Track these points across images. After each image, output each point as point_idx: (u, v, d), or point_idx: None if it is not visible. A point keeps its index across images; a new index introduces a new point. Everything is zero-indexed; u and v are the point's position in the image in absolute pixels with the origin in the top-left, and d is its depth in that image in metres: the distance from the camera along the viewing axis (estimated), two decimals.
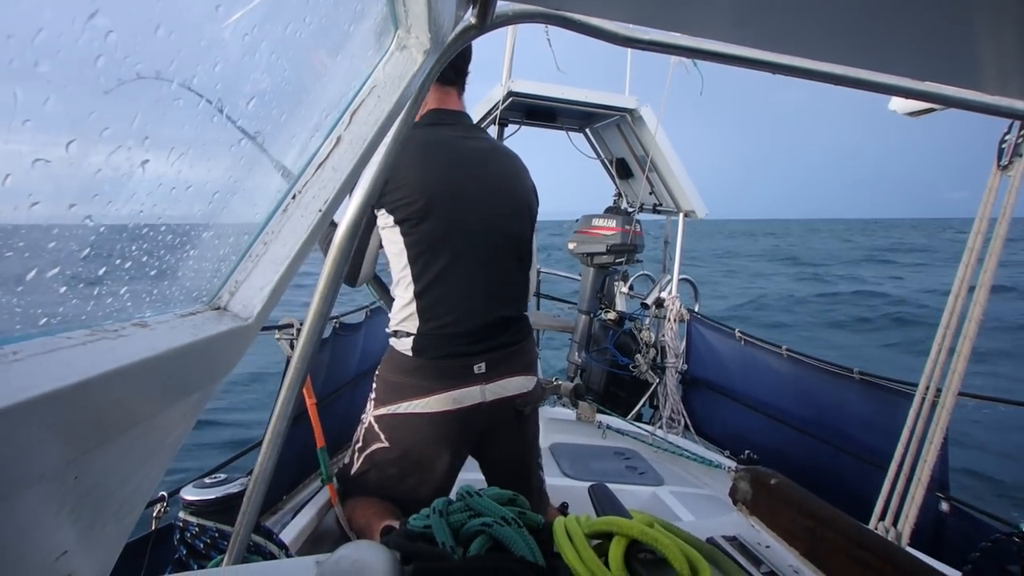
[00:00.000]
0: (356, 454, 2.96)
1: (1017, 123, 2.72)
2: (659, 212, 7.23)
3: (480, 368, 2.88)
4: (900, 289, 34.45)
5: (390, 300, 3.15)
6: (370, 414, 2.92)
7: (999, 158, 2.73)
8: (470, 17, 1.32)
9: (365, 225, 2.64)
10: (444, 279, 2.83)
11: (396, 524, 2.44)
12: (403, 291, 2.86)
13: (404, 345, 2.87)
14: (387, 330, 3.00)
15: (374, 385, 2.97)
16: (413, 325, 2.85)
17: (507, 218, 3.05)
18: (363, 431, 2.95)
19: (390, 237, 2.82)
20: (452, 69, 2.99)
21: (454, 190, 2.85)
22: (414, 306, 2.84)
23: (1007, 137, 2.72)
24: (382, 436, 2.85)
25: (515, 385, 3.01)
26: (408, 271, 2.82)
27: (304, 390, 2.91)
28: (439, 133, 2.96)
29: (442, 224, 2.80)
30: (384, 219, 2.79)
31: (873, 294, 32.27)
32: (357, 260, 2.94)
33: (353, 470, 2.95)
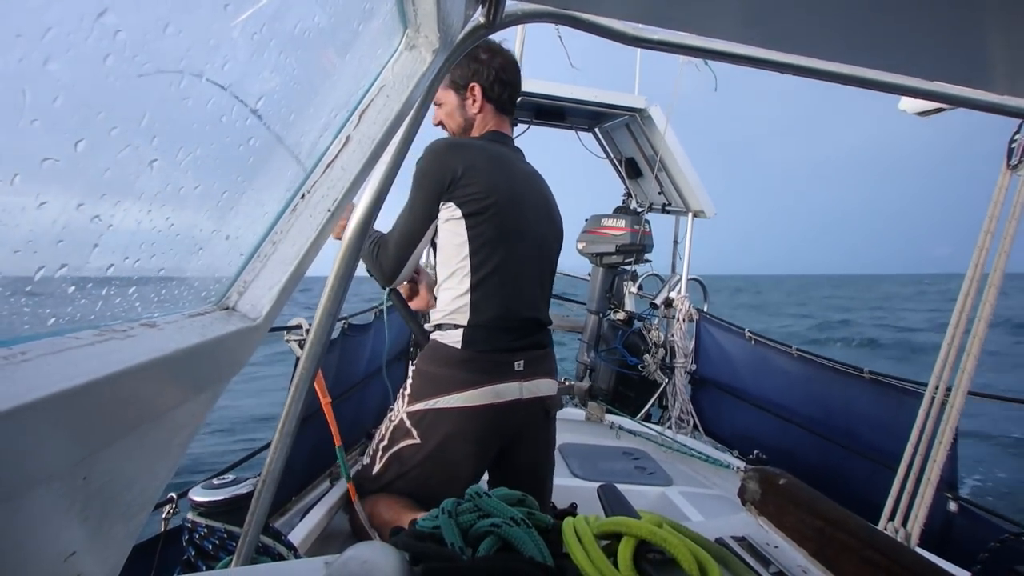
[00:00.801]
0: (379, 453, 2.97)
1: None
2: (668, 212, 7.23)
3: (520, 365, 2.97)
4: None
5: (411, 314, 3.30)
6: (402, 411, 2.94)
7: (1008, 157, 2.73)
8: (479, 16, 1.32)
9: (423, 222, 2.86)
10: (499, 274, 2.93)
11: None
12: (457, 283, 2.94)
13: (452, 337, 2.93)
14: (428, 326, 3.09)
15: (410, 381, 3.00)
16: (464, 317, 2.92)
17: (547, 236, 3.25)
18: (390, 428, 2.97)
19: (453, 229, 2.90)
20: (509, 101, 3.25)
21: (514, 198, 2.99)
22: (468, 297, 2.92)
23: (1016, 137, 2.71)
24: (414, 432, 2.88)
25: (546, 387, 3.11)
26: (468, 262, 2.91)
27: (318, 389, 2.92)
28: (502, 149, 3.14)
29: (503, 224, 2.92)
30: (451, 212, 2.88)
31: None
32: (403, 256, 3.01)
33: (374, 470, 2.96)
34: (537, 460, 3.21)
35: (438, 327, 3.01)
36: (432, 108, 3.04)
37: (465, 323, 2.92)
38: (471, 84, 3.14)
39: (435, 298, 3.12)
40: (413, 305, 3.32)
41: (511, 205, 2.97)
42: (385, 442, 2.96)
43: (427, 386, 2.92)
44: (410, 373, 3.02)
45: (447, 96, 3.22)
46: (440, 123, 3.31)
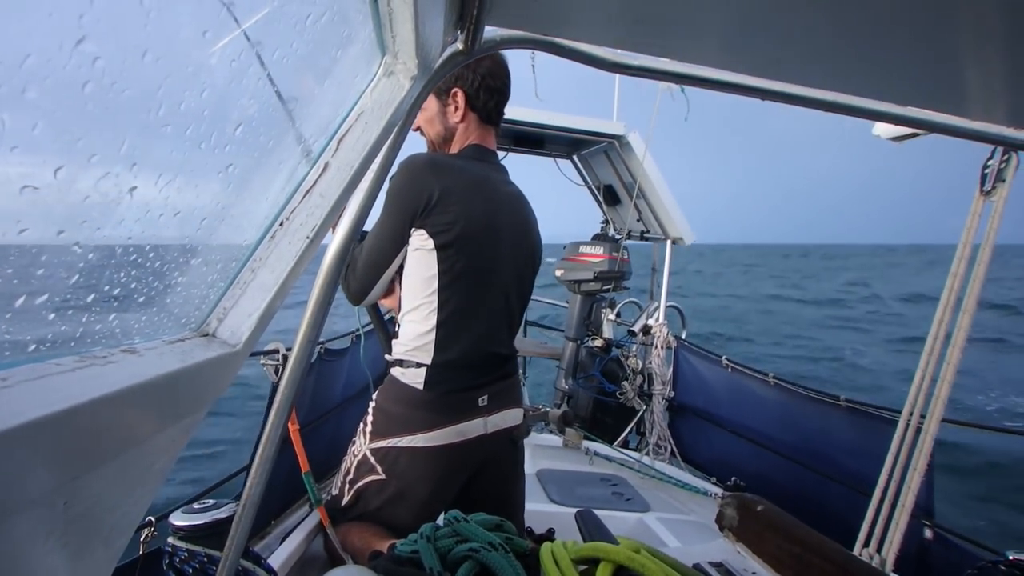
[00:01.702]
0: (346, 486, 2.92)
1: (1000, 149, 2.75)
2: (647, 239, 7.25)
3: (483, 400, 2.89)
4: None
5: (383, 327, 3.24)
6: (364, 446, 2.86)
7: (982, 183, 2.75)
8: (458, 43, 1.33)
9: (393, 246, 2.72)
10: (467, 311, 2.82)
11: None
12: (423, 317, 2.81)
13: (414, 377, 2.81)
14: (389, 358, 2.95)
15: (370, 417, 2.90)
16: (427, 355, 2.80)
17: (523, 263, 3.11)
18: (355, 462, 2.90)
19: (423, 260, 2.75)
20: (496, 111, 3.05)
21: (491, 227, 2.86)
22: (433, 335, 2.79)
23: (990, 163, 2.74)
24: (378, 468, 2.81)
25: (512, 417, 3.02)
26: (435, 297, 2.77)
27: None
28: (484, 170, 2.97)
29: (476, 257, 2.80)
30: (422, 241, 2.72)
31: None
32: (370, 280, 2.86)
33: (343, 502, 2.92)
34: (506, 489, 3.17)
35: (399, 363, 2.88)
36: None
37: (428, 362, 2.80)
38: (454, 90, 2.95)
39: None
40: (387, 303, 3.15)
41: (487, 236, 2.85)
42: (351, 476, 2.91)
43: (388, 424, 2.84)
44: (370, 408, 2.94)
45: (428, 101, 3.02)
46: (418, 129, 3.12)
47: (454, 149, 3.05)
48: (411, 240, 2.75)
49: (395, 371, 2.89)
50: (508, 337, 3.10)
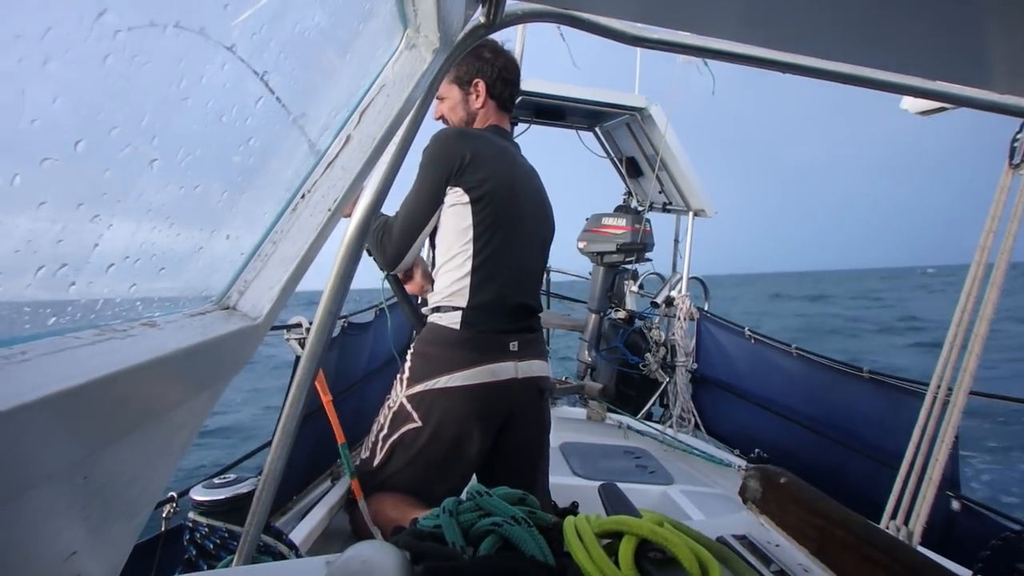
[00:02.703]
0: (380, 443, 3.00)
1: None
2: (669, 211, 7.23)
3: (514, 346, 3.06)
4: None
5: (407, 299, 3.36)
6: (401, 395, 2.98)
7: (1011, 157, 2.72)
8: (479, 16, 1.32)
9: (429, 206, 2.94)
10: (498, 259, 3.03)
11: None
12: (458, 266, 3.01)
13: (451, 319, 3.00)
14: (426, 309, 3.14)
15: (408, 364, 3.07)
16: (463, 299, 3.00)
17: (542, 229, 3.41)
18: (389, 415, 3.01)
19: (459, 213, 2.98)
20: (510, 100, 3.40)
21: (515, 189, 3.11)
22: (468, 280, 2.99)
23: (1019, 136, 2.71)
24: (415, 415, 2.92)
25: (539, 367, 3.19)
26: (471, 246, 2.99)
27: (319, 387, 2.95)
28: (504, 143, 3.28)
29: (505, 212, 3.03)
30: (457, 197, 2.96)
31: None
32: (408, 241, 3.07)
33: (376, 462, 2.99)
34: (532, 440, 3.27)
35: (436, 310, 3.07)
36: (433, 103, 3.06)
37: (464, 305, 2.99)
38: (475, 80, 3.24)
39: (431, 283, 3.19)
40: (408, 289, 3.39)
41: (512, 195, 3.07)
42: (385, 431, 3.00)
43: (426, 367, 2.98)
44: (408, 356, 3.06)
45: (450, 91, 3.29)
46: (442, 117, 3.37)
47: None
48: (447, 198, 2.99)
49: (432, 317, 3.09)
50: (534, 291, 3.34)
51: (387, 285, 3.34)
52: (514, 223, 3.10)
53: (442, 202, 3.00)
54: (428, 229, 3.06)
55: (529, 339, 3.16)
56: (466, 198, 2.95)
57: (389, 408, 3.02)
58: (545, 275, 8.32)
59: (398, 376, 3.06)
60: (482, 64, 3.23)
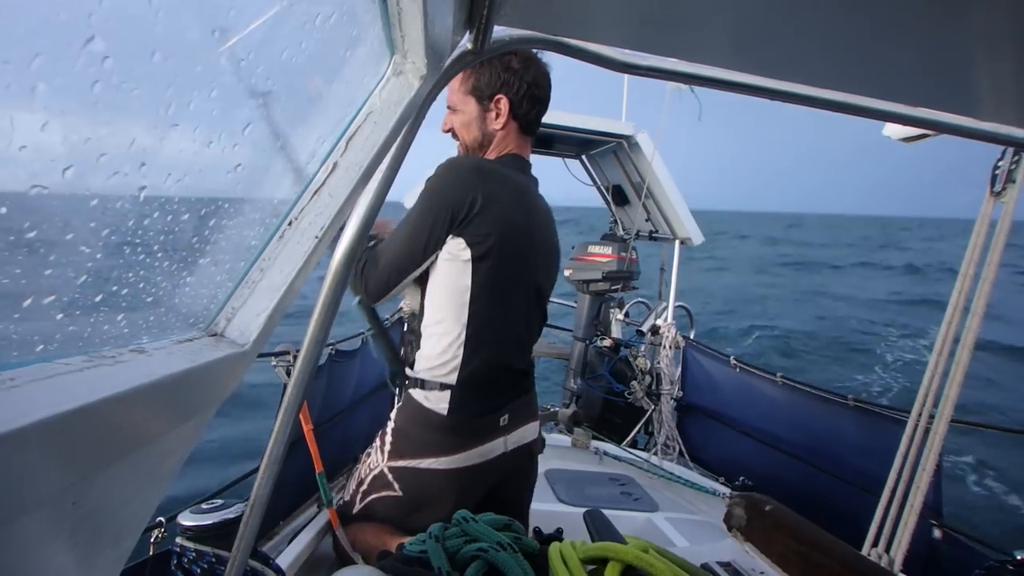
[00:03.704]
0: (359, 495, 2.90)
1: (1010, 150, 2.74)
2: (655, 239, 7.25)
3: (504, 420, 2.84)
4: None
5: (384, 334, 3.11)
6: (383, 463, 2.81)
7: (992, 184, 2.75)
8: (467, 42, 1.33)
9: (425, 251, 2.60)
10: (495, 324, 2.76)
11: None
12: (447, 331, 2.73)
13: (437, 400, 2.73)
14: (410, 374, 2.86)
15: (389, 437, 2.85)
16: (452, 374, 2.72)
17: (548, 279, 3.06)
18: (371, 476, 2.86)
19: (455, 271, 2.66)
20: (536, 122, 2.93)
21: (529, 241, 2.81)
22: (460, 351, 2.71)
23: (1000, 163, 2.73)
24: (396, 486, 2.78)
25: (531, 432, 3.03)
26: (466, 310, 2.68)
27: (300, 416, 2.91)
28: (524, 181, 2.91)
29: (509, 271, 2.73)
30: (459, 250, 2.63)
31: None
32: (393, 282, 2.72)
33: (354, 510, 2.90)
34: (520, 496, 3.20)
35: (421, 384, 2.78)
36: (445, 112, 2.86)
37: (453, 382, 2.71)
38: (498, 96, 2.78)
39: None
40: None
41: (524, 249, 2.78)
42: (365, 487, 2.88)
43: (409, 447, 2.79)
44: (389, 429, 2.89)
45: (467, 104, 2.84)
46: (451, 131, 2.96)
47: (490, 156, 2.91)
48: (447, 248, 2.64)
49: (416, 393, 2.80)
50: (527, 349, 3.04)
51: (360, 310, 3.05)
52: (518, 281, 2.81)
53: (439, 248, 2.63)
54: (417, 274, 2.70)
55: (521, 403, 2.94)
56: (468, 254, 2.60)
57: (370, 469, 2.89)
58: None
59: (378, 441, 2.90)
60: (509, 76, 2.75)
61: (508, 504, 3.05)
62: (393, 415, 2.90)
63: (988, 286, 2.70)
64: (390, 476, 2.79)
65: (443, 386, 2.73)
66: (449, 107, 2.88)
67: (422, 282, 2.79)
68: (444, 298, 2.70)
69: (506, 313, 2.78)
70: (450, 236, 2.61)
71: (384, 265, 2.71)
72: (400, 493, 2.76)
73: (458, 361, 2.71)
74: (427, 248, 2.63)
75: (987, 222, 2.77)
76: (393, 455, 2.80)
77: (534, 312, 3.00)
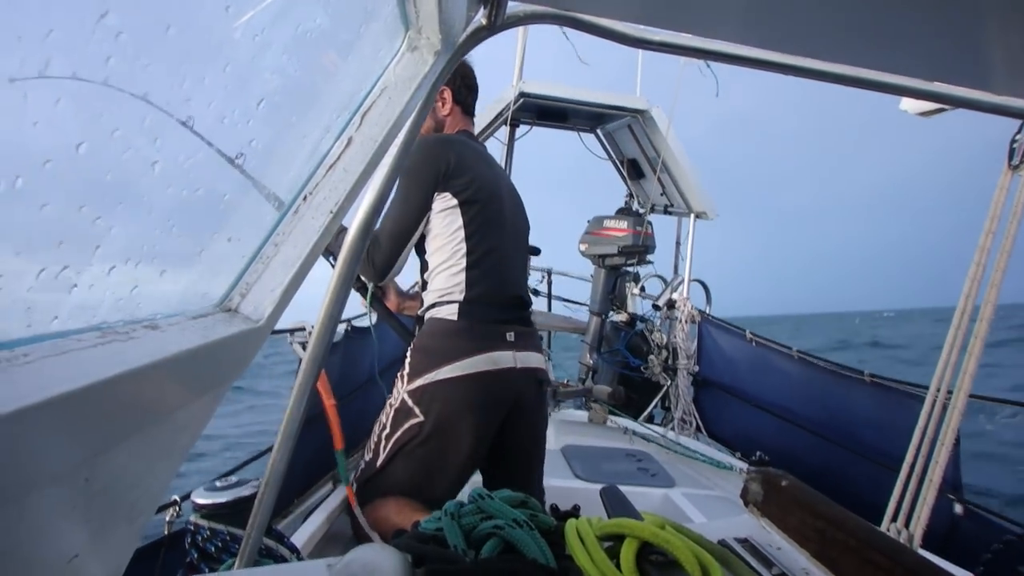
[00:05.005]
0: (382, 443, 3.00)
1: None
2: (670, 213, 7.24)
3: (511, 336, 3.10)
4: None
5: (392, 316, 3.49)
6: (403, 391, 2.98)
7: (1010, 157, 2.72)
8: (481, 18, 1.32)
9: (418, 213, 3.03)
10: (491, 255, 3.13)
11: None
12: (452, 265, 3.08)
13: (448, 311, 3.06)
14: (422, 309, 3.20)
15: (408, 360, 3.06)
16: (459, 293, 3.05)
17: (522, 222, 3.56)
18: (391, 413, 3.00)
19: (448, 216, 3.08)
20: (472, 105, 3.58)
21: (497, 190, 3.27)
22: (463, 276, 3.07)
23: (1018, 137, 2.71)
24: (416, 410, 2.92)
25: (536, 359, 3.23)
26: (464, 245, 3.07)
27: (322, 391, 2.96)
28: (478, 146, 3.51)
29: (490, 210, 3.17)
30: (446, 202, 3.07)
31: None
32: (397, 250, 3.14)
33: (378, 462, 2.98)
34: (535, 434, 3.36)
35: (432, 307, 3.12)
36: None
37: (460, 298, 3.05)
38: (441, 88, 3.25)
39: (406, 298, 3.42)
40: (392, 304, 3.49)
41: (495, 195, 3.24)
42: (387, 429, 3.00)
43: (425, 360, 2.99)
44: (408, 353, 3.09)
45: None
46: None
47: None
48: (435, 204, 3.10)
49: (431, 313, 3.12)
50: (523, 285, 3.54)
51: (370, 308, 3.42)
52: (500, 220, 3.23)
53: (431, 208, 3.09)
54: (417, 236, 3.14)
55: (525, 331, 3.21)
56: (454, 201, 3.06)
57: (391, 406, 3.03)
58: (547, 276, 8.37)
59: (399, 374, 3.06)
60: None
61: (524, 444, 3.30)
62: (413, 340, 3.17)
63: (1005, 259, 2.68)
64: (410, 402, 2.95)
65: (451, 302, 3.08)
66: None
67: (419, 250, 3.25)
68: (443, 241, 3.10)
69: (499, 244, 3.19)
70: (437, 193, 3.08)
71: (386, 238, 3.13)
72: (422, 416, 2.91)
73: (463, 284, 3.08)
74: (422, 209, 3.09)
75: (1004, 194, 2.75)
76: (411, 376, 3.00)
77: (521, 249, 3.53)
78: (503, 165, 6.77)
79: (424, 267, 3.23)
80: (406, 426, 2.93)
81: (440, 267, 3.11)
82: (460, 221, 3.07)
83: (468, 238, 3.08)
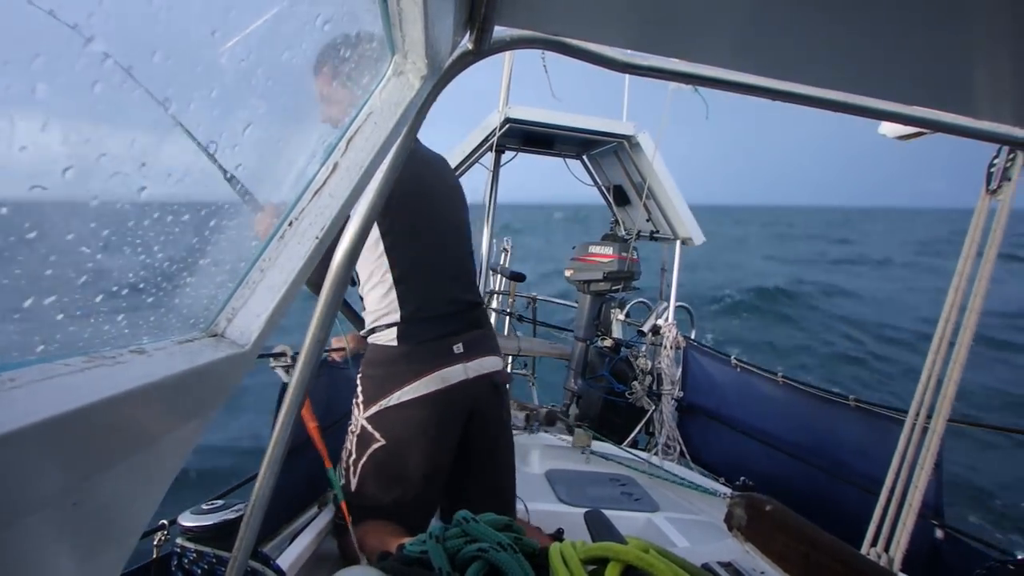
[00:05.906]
0: (351, 468, 3.01)
1: (1006, 148, 2.74)
2: (656, 239, 7.25)
3: (459, 348, 3.07)
4: None
5: (353, 314, 3.45)
6: (360, 419, 3.00)
7: (987, 182, 2.75)
8: (467, 43, 1.33)
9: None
10: (417, 265, 3.07)
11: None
12: (380, 282, 3.03)
13: (387, 336, 3.03)
14: (364, 331, 3.17)
15: (359, 389, 3.05)
16: (395, 314, 3.02)
17: (456, 209, 3.42)
18: (354, 442, 3.02)
19: None
20: None
21: (421, 187, 3.15)
22: (394, 294, 3.01)
23: (995, 161, 2.74)
24: (377, 435, 2.94)
25: (490, 363, 3.22)
26: (385, 259, 2.99)
27: (305, 414, 2.97)
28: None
29: (411, 215, 3.06)
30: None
31: None
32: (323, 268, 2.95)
33: (352, 487, 2.99)
34: (496, 435, 3.32)
35: (372, 331, 3.09)
36: (322, 107, 2.86)
37: (397, 319, 3.01)
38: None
39: (364, 341, 3.24)
40: (351, 347, 3.53)
41: (418, 194, 3.12)
42: (353, 456, 3.02)
43: (374, 388, 3.00)
44: (358, 380, 3.08)
45: (336, 93, 2.66)
46: (328, 120, 3.11)
47: None
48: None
49: (371, 339, 3.12)
50: (466, 283, 3.35)
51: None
52: (425, 220, 3.14)
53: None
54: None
55: (475, 336, 3.18)
56: None
57: (352, 433, 3.04)
58: (532, 303, 8.39)
59: (355, 401, 3.08)
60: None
61: (485, 448, 3.27)
62: (360, 369, 3.14)
63: (984, 283, 2.70)
64: (370, 427, 2.97)
65: (389, 324, 3.03)
66: (323, 101, 2.97)
67: None
68: (365, 254, 3.01)
69: (425, 248, 3.12)
70: None
71: None
72: (383, 441, 2.94)
73: (396, 302, 3.02)
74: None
75: (983, 219, 2.77)
76: (366, 404, 3.01)
77: (457, 243, 3.36)
78: (488, 192, 6.79)
79: (355, 280, 3.19)
80: (370, 450, 2.96)
81: (368, 285, 3.09)
82: (377, 233, 3.01)
83: (389, 249, 3.01)
